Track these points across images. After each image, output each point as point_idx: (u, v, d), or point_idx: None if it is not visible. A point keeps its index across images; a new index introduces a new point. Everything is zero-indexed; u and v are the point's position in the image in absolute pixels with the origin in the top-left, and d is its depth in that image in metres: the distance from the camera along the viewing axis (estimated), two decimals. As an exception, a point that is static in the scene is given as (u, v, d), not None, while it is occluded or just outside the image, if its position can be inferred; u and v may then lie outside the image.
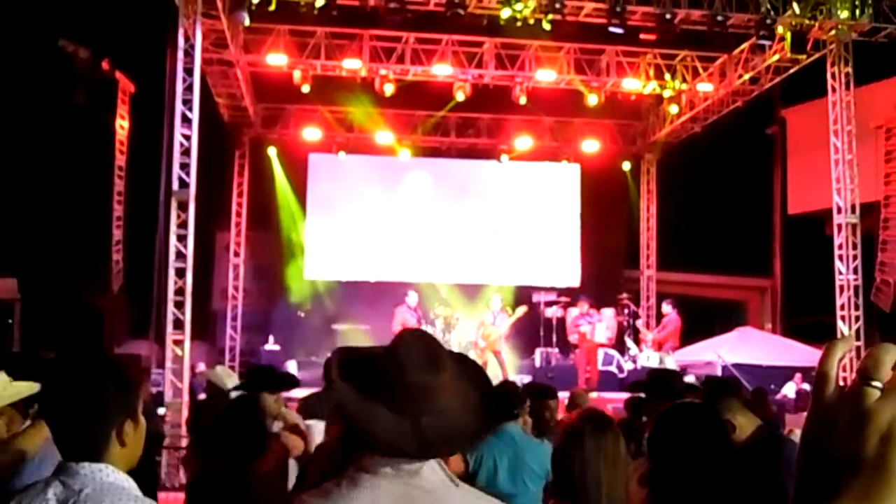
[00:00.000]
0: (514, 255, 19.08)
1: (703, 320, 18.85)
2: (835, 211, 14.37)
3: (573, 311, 15.73)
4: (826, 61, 14.42)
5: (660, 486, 2.58)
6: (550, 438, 4.66)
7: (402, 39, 15.22)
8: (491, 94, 16.55)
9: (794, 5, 13.31)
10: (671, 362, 14.54)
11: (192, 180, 11.92)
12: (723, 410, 3.55)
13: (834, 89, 14.39)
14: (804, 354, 16.30)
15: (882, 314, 16.40)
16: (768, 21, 13.26)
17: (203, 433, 5.85)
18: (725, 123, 17.52)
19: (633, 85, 16.16)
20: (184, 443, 10.22)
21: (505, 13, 13.07)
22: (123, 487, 2.06)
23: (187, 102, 12.09)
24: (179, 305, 11.71)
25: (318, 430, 4.69)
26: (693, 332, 16.95)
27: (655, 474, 2.60)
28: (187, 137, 12.03)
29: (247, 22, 13.03)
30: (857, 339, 13.36)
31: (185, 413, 10.60)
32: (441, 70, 15.49)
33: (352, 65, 15.29)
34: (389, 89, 15.61)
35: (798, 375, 15.33)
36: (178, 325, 11.70)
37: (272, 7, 12.98)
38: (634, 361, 16.19)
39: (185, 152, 11.99)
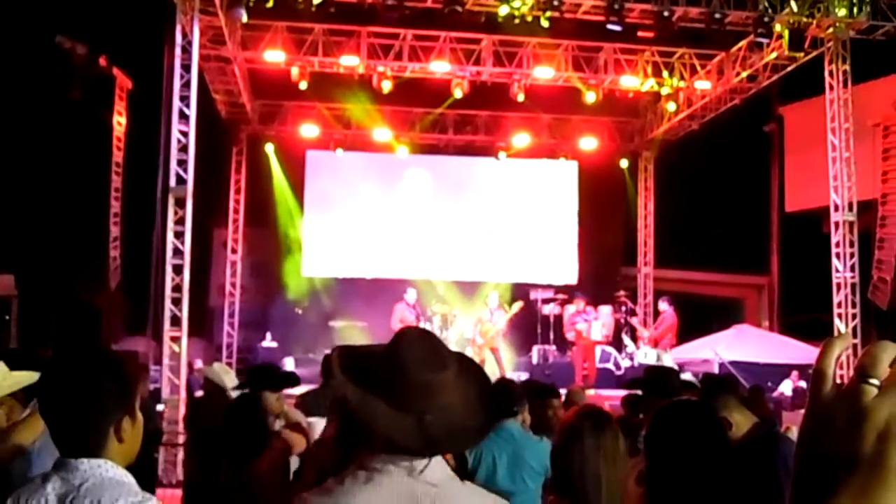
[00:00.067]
0: (512, 253, 19.08)
1: (700, 318, 18.85)
2: (832, 209, 14.39)
3: (570, 309, 15.76)
4: (824, 59, 14.43)
5: (657, 484, 2.59)
6: (551, 436, 4.66)
7: (400, 36, 15.21)
8: (489, 91, 16.55)
9: (792, 3, 13.32)
10: (668, 359, 14.55)
11: (190, 177, 11.92)
12: (719, 408, 3.56)
13: (832, 87, 14.40)
14: (801, 352, 16.31)
15: (879, 312, 16.42)
16: (766, 19, 13.26)
17: (200, 430, 5.85)
18: (723, 121, 17.52)
19: (630, 82, 16.16)
20: (181, 440, 10.22)
21: (503, 10, 13.07)
22: (123, 482, 2.06)
23: (185, 99, 12.08)
24: (177, 302, 11.72)
25: (319, 428, 4.69)
26: (690, 329, 16.96)
27: (652, 472, 2.60)
28: (185, 134, 12.02)
29: (244, 18, 13.02)
30: (854, 336, 13.39)
31: (182, 410, 10.60)
32: (439, 67, 15.49)
33: (349, 61, 15.28)
34: (387, 86, 15.60)
35: (795, 373, 15.34)
36: (176, 321, 11.71)
37: (270, 4, 12.98)
38: (632, 359, 16.22)
39: (183, 149, 11.99)
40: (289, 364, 15.17)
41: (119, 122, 17.12)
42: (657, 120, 18.72)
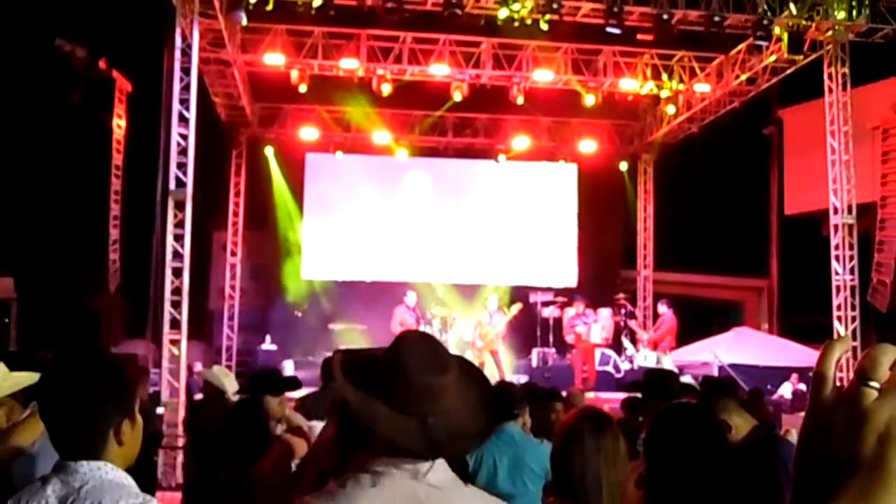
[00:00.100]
0: (511, 255, 19.08)
1: (699, 320, 18.85)
2: (831, 211, 14.39)
3: (570, 311, 15.76)
4: (823, 62, 14.44)
5: (656, 487, 2.59)
6: (552, 439, 4.66)
7: (400, 39, 15.22)
8: (488, 94, 16.55)
9: (791, 6, 13.32)
10: (668, 362, 14.54)
11: (189, 180, 11.92)
12: (719, 411, 3.56)
13: (831, 90, 14.41)
14: (801, 355, 16.31)
15: (878, 314, 16.43)
16: (765, 22, 13.26)
17: (200, 433, 5.85)
18: (722, 124, 17.54)
19: (630, 85, 16.17)
20: (180, 443, 10.21)
21: (502, 13, 13.08)
22: (123, 484, 2.06)
23: (184, 102, 12.08)
24: (176, 305, 11.71)
25: (319, 431, 4.70)
26: (690, 332, 16.96)
27: (652, 474, 2.60)
28: (184, 137, 12.02)
29: (244, 21, 13.02)
30: (854, 339, 13.39)
31: (181, 413, 10.59)
32: (438, 70, 15.49)
33: (349, 64, 15.29)
34: (387, 89, 15.61)
35: (794, 376, 15.34)
36: (175, 324, 11.70)
37: (269, 7, 12.97)
38: (631, 361, 16.22)
39: (182, 152, 11.98)
40: (288, 367, 15.18)
41: (119, 124, 17.13)
42: (656, 123, 18.74)
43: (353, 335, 16.59)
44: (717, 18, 13.22)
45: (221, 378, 6.00)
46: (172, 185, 11.92)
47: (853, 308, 14.11)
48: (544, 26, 13.19)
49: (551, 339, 16.55)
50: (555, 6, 12.63)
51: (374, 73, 15.47)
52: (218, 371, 6.36)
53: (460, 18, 12.99)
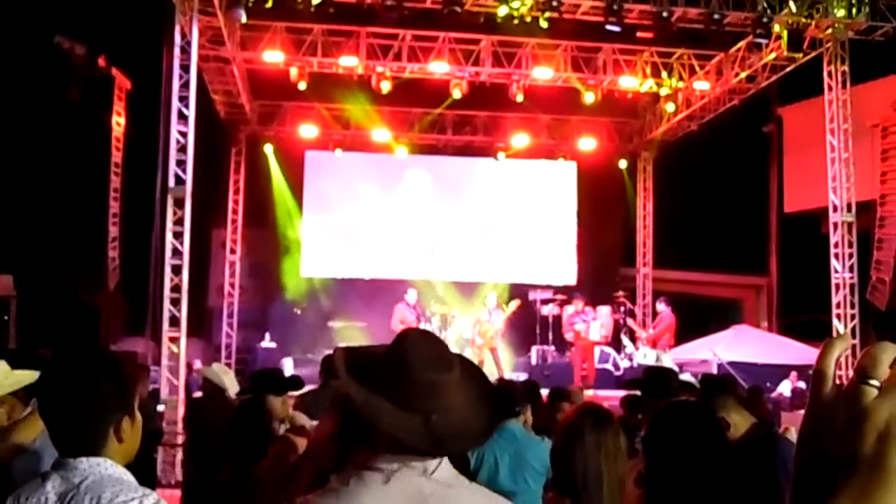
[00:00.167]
0: (511, 253, 19.09)
1: (699, 318, 18.85)
2: (831, 209, 14.40)
3: (569, 309, 15.77)
4: (822, 60, 14.44)
5: (655, 485, 2.59)
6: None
7: (399, 37, 15.22)
8: (488, 91, 16.55)
9: (791, 4, 13.32)
10: (668, 360, 14.55)
11: (189, 177, 11.91)
12: (718, 408, 3.56)
13: (830, 88, 14.41)
14: (800, 352, 16.31)
15: (878, 312, 16.43)
16: (765, 19, 13.27)
17: (199, 431, 5.85)
18: (722, 122, 17.54)
19: (629, 83, 16.17)
20: (180, 440, 10.21)
21: (502, 11, 13.08)
22: (123, 479, 2.07)
23: (184, 99, 12.08)
24: (175, 302, 11.71)
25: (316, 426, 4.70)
26: (689, 330, 16.96)
27: (651, 472, 2.60)
28: (184, 134, 12.01)
29: (243, 19, 13.02)
30: (853, 337, 13.40)
31: (181, 410, 10.59)
32: (438, 67, 15.49)
33: (348, 62, 15.28)
34: (386, 87, 15.61)
35: (794, 373, 15.34)
36: (175, 322, 11.70)
37: (269, 4, 12.98)
38: (630, 359, 16.23)
39: (182, 149, 11.98)
40: (287, 364, 15.18)
41: (118, 122, 17.10)
42: (656, 120, 18.74)
43: (352, 333, 16.60)
44: (716, 16, 13.22)
45: (221, 375, 6.01)
46: (172, 182, 11.92)
47: (852, 306, 14.12)
48: (544, 24, 13.19)
49: (551, 336, 16.57)
50: (554, 4, 12.63)
51: (374, 70, 15.47)
52: (217, 368, 6.37)
53: (460, 16, 12.99)
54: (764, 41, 13.88)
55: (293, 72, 15.38)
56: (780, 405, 13.80)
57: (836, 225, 14.27)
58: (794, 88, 17.98)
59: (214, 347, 18.16)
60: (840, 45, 14.23)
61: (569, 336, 15.55)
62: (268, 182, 19.02)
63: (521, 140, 18.82)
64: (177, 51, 12.13)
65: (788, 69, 15.14)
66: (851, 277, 14.17)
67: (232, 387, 5.87)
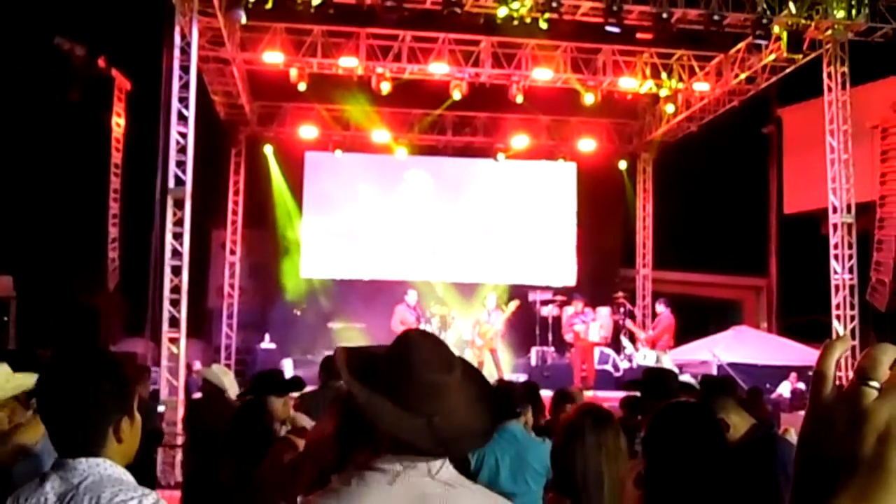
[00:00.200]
0: (510, 254, 19.09)
1: (698, 319, 18.86)
2: (830, 210, 14.40)
3: (569, 310, 15.77)
4: (822, 61, 14.44)
5: (655, 486, 2.59)
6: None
7: (399, 38, 15.22)
8: (487, 92, 16.55)
9: (791, 5, 13.33)
10: (668, 361, 14.55)
11: (189, 178, 11.91)
12: (717, 409, 3.56)
13: (830, 89, 14.41)
14: (799, 354, 16.31)
15: (877, 314, 16.43)
16: (764, 21, 13.27)
17: (199, 431, 5.85)
18: (722, 123, 17.54)
19: (629, 84, 16.17)
20: (179, 441, 10.21)
21: (502, 12, 13.08)
22: (122, 479, 2.07)
23: (184, 100, 12.07)
24: (175, 303, 11.70)
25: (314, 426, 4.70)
26: (689, 331, 16.96)
27: (651, 473, 2.60)
28: (183, 135, 12.01)
29: (243, 20, 13.01)
30: (853, 338, 13.39)
31: (180, 411, 10.59)
32: (438, 68, 15.49)
33: (348, 63, 15.28)
34: (386, 87, 15.61)
35: (793, 374, 15.34)
36: (174, 322, 11.69)
37: (269, 5, 12.97)
38: (630, 360, 16.23)
39: (182, 150, 11.98)
40: (287, 365, 15.18)
41: (118, 123, 17.11)
42: (656, 121, 18.74)
43: (351, 334, 16.60)
44: (716, 17, 13.22)
45: (220, 376, 6.00)
46: (171, 183, 11.91)
47: (852, 307, 14.12)
48: (543, 25, 13.19)
49: (550, 337, 16.57)
50: (554, 5, 12.63)
51: (374, 71, 15.47)
52: (217, 369, 6.36)
53: (459, 17, 12.99)
54: (764, 42, 13.88)
55: (293, 73, 15.38)
56: (779, 406, 13.80)
57: (835, 226, 14.27)
58: (794, 89, 17.99)
59: (214, 348, 18.17)
60: (840, 46, 14.23)
61: (568, 337, 15.54)
62: (268, 183, 19.02)
63: (520, 141, 18.82)
64: (177, 52, 12.13)
65: (788, 70, 15.14)
66: (851, 279, 14.17)
67: (232, 388, 5.87)
